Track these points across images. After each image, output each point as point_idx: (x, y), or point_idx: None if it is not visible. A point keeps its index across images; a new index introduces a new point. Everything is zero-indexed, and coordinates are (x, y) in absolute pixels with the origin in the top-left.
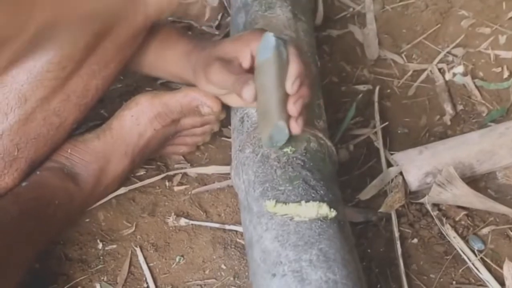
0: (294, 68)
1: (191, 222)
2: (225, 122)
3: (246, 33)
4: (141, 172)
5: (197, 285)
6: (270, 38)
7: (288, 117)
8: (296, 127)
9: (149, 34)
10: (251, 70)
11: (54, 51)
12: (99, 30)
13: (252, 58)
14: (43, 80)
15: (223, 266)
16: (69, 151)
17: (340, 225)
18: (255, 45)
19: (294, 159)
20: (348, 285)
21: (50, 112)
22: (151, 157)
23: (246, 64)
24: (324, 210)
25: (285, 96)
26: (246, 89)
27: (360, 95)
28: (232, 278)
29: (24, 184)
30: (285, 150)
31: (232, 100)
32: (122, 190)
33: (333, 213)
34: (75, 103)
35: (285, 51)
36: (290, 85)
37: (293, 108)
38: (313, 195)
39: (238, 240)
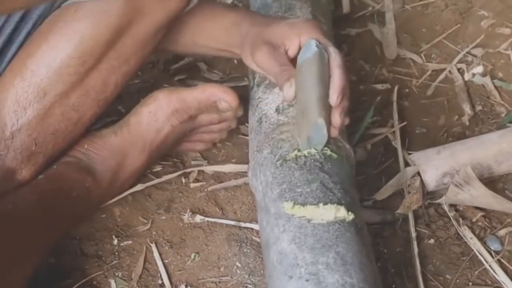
0: (338, 80)
1: (207, 219)
2: (243, 119)
3: (300, 21)
4: (158, 168)
5: (212, 282)
6: (312, 44)
7: (327, 117)
8: (334, 132)
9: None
10: (295, 60)
11: (74, 46)
12: (118, 26)
13: (299, 49)
14: (63, 74)
15: (238, 264)
16: (86, 146)
17: (358, 228)
18: (304, 38)
19: (312, 161)
20: None
21: (69, 107)
22: (168, 153)
23: (292, 52)
24: (342, 213)
25: (325, 96)
26: (286, 88)
27: (379, 96)
28: (247, 276)
29: (41, 176)
30: (304, 152)
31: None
32: (139, 187)
33: (350, 217)
34: (93, 99)
35: (326, 54)
36: (335, 99)
37: (338, 119)
38: (330, 197)
39: (253, 238)
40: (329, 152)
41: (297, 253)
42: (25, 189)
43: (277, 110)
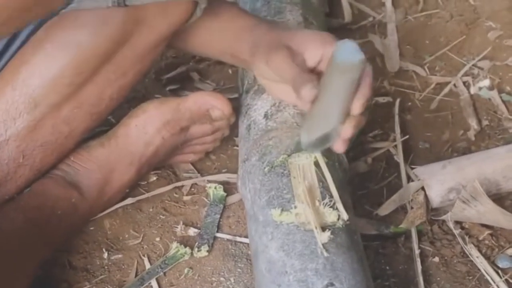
0: (367, 91)
1: (200, 232)
2: (237, 131)
3: (321, 33)
4: (149, 180)
5: None
6: (354, 46)
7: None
8: (341, 147)
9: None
10: (312, 71)
11: (70, 56)
12: (118, 36)
13: (320, 61)
14: (57, 85)
15: (232, 280)
16: (72, 158)
17: (349, 233)
18: (329, 50)
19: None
20: None
21: (60, 120)
22: (158, 166)
23: (311, 63)
24: (332, 217)
25: (348, 107)
26: (308, 89)
27: (379, 107)
28: None
29: (26, 191)
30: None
31: (279, 91)
32: (129, 201)
33: (341, 222)
34: (87, 112)
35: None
36: (359, 106)
37: (349, 131)
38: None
39: (248, 253)
40: (318, 157)
41: (285, 261)
42: (10, 207)
43: (265, 116)
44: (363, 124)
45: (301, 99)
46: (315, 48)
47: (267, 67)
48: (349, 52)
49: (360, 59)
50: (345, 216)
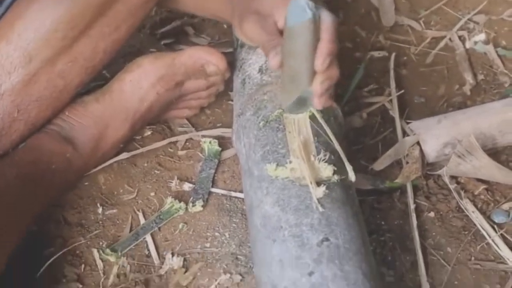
0: (327, 45)
1: (195, 187)
2: (232, 86)
3: None
4: (144, 134)
5: (199, 253)
6: (303, 4)
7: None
8: (318, 104)
9: None
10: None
11: (65, 9)
12: None
13: None
14: (51, 39)
15: (226, 235)
16: (66, 113)
17: (344, 188)
18: None
19: None
20: (351, 250)
21: (55, 74)
22: (153, 121)
23: (282, 23)
24: (327, 172)
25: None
26: (272, 56)
27: (374, 62)
28: (235, 247)
29: (21, 146)
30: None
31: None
32: (124, 156)
33: (336, 176)
34: (81, 66)
35: (318, 16)
36: (320, 63)
37: (319, 87)
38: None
39: (243, 208)
40: (314, 112)
41: (280, 216)
42: (4, 162)
43: (260, 70)
44: (335, 77)
45: (269, 65)
46: (279, 8)
47: (242, 35)
48: (298, 12)
49: (308, 18)
50: (353, 177)
